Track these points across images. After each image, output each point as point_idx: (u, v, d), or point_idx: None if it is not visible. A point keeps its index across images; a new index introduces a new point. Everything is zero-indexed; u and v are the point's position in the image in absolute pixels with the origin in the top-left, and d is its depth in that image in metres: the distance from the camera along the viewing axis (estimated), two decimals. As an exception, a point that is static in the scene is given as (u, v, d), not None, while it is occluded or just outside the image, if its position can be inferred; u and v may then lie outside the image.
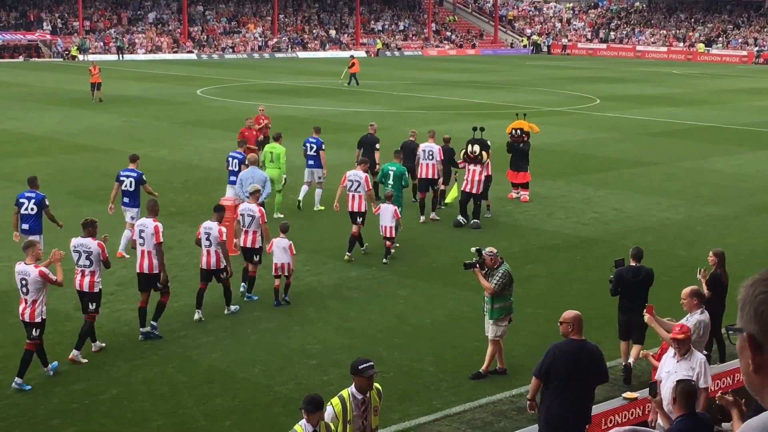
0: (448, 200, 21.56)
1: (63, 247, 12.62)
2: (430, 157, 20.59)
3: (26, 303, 11.71)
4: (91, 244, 12.57)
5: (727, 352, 12.53)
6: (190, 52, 78.51)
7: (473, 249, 12.21)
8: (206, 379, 12.01)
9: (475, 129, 20.61)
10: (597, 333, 12.40)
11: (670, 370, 9.29)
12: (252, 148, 21.88)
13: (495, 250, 12.11)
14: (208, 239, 14.09)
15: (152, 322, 13.46)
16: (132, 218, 16.84)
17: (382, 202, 17.92)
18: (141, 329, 13.38)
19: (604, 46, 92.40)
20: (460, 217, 20.18)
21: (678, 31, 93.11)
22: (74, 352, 12.47)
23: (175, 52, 78.01)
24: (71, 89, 47.89)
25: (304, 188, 21.70)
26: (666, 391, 8.92)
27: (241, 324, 14.05)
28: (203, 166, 27.21)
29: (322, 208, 21.38)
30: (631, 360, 12.10)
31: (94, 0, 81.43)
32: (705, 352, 11.29)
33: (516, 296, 12.59)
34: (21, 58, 70.68)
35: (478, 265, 11.90)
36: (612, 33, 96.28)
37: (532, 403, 9.62)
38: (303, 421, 7.86)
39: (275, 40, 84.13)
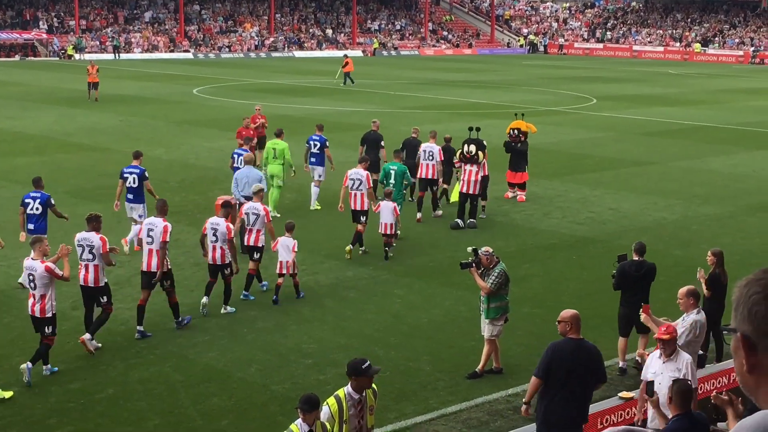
0: (453, 198, 21.48)
1: (67, 244, 12.65)
2: (431, 157, 20.59)
3: (35, 298, 11.83)
4: (94, 238, 12.74)
5: (724, 352, 12.55)
6: (187, 51, 78.46)
7: (470, 248, 12.24)
8: (203, 378, 12.02)
9: (471, 129, 20.59)
10: (593, 332, 12.42)
11: (656, 370, 9.32)
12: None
13: (491, 250, 12.12)
14: (214, 235, 14.27)
15: (176, 321, 13.68)
16: (140, 216, 16.85)
17: (381, 200, 17.95)
18: (138, 327, 13.38)
19: (600, 45, 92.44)
20: (458, 220, 20.18)
21: (674, 31, 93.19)
22: (86, 336, 12.57)
23: (172, 51, 77.96)
24: (67, 88, 47.82)
25: (315, 191, 21.55)
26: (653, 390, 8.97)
27: (238, 323, 14.06)
28: (200, 165, 27.20)
29: (318, 207, 21.37)
30: (639, 350, 12.08)
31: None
32: (701, 352, 11.33)
33: (512, 296, 12.62)
34: (17, 57, 70.58)
35: (474, 265, 11.92)
36: (608, 33, 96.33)
37: (528, 407, 9.61)
38: (299, 421, 7.87)
39: (272, 39, 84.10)
